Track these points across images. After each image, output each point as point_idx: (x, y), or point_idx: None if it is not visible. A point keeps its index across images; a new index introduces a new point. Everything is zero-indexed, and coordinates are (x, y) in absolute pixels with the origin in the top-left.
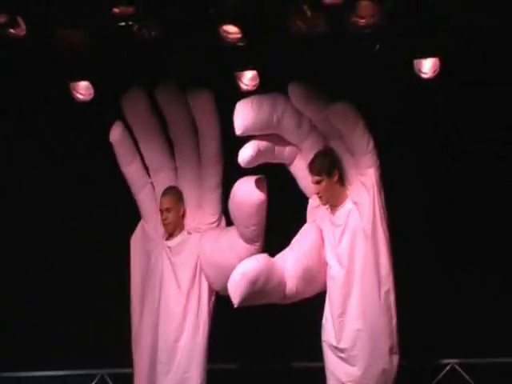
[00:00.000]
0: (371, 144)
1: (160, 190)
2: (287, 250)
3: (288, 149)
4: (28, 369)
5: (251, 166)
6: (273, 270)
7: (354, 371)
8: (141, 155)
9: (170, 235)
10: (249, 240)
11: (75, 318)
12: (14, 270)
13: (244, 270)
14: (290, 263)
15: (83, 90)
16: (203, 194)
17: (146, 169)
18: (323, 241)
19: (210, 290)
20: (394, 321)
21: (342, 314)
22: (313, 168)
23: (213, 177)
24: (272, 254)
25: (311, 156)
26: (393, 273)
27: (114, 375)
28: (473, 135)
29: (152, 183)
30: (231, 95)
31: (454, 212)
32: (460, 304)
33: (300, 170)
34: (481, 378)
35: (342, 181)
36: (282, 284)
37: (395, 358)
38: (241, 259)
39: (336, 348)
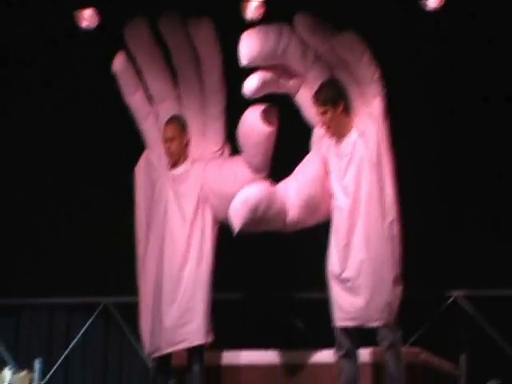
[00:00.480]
0: (377, 74)
1: (164, 119)
2: (290, 178)
3: (293, 79)
4: (31, 295)
5: (256, 97)
6: (274, 197)
7: (358, 301)
8: (144, 85)
9: (173, 164)
10: (255, 169)
11: (80, 246)
12: (21, 198)
13: (245, 197)
14: (293, 191)
15: (88, 17)
16: (207, 123)
17: (150, 98)
18: (327, 171)
19: (214, 219)
20: (398, 251)
21: (347, 244)
22: (318, 98)
23: (216, 105)
24: (276, 184)
25: (316, 86)
26: (397, 203)
27: (118, 304)
28: (480, 72)
29: (156, 112)
30: (236, 25)
31: (461, 147)
32: (463, 236)
33: (305, 101)
34: (484, 310)
35: (347, 111)
36: (283, 212)
37: (398, 289)
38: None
39: (340, 278)
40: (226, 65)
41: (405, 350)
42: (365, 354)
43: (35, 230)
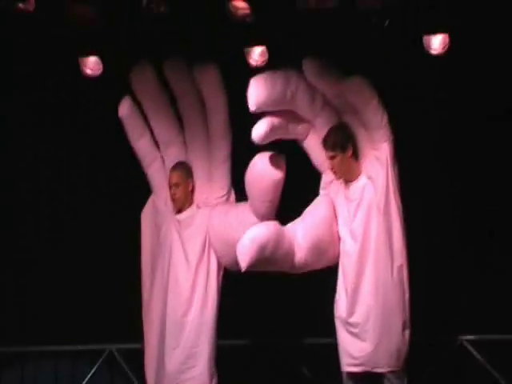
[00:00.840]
0: (385, 118)
1: (170, 163)
2: (299, 220)
3: (301, 124)
4: (36, 343)
5: (265, 143)
6: (282, 237)
7: (366, 346)
8: (150, 130)
9: (179, 210)
10: (261, 216)
11: (84, 293)
12: (24, 244)
13: (254, 235)
14: (301, 233)
15: (92, 65)
16: (212, 168)
17: (156, 143)
18: (335, 214)
19: (219, 264)
20: (407, 296)
21: (356, 289)
22: (327, 143)
23: (221, 150)
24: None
25: (325, 131)
26: (406, 248)
27: (123, 350)
28: (483, 110)
29: (162, 157)
30: (240, 71)
31: (471, 187)
32: (471, 281)
33: (313, 146)
34: (490, 355)
35: (356, 156)
36: (291, 253)
37: (407, 333)
38: None
39: (348, 323)
40: (232, 110)
41: None
42: None
43: (39, 276)
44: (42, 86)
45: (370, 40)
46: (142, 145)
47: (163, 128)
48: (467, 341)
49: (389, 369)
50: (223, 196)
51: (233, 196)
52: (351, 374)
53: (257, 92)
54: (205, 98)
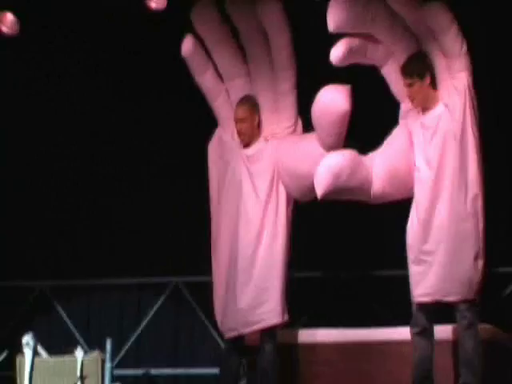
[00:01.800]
0: (464, 47)
1: (235, 96)
2: (377, 151)
3: (381, 50)
4: (102, 276)
5: (343, 65)
6: (359, 166)
7: (437, 275)
8: (214, 64)
9: (246, 144)
10: (329, 148)
11: (152, 225)
12: (95, 178)
13: (330, 162)
14: (379, 163)
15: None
16: (278, 99)
17: (220, 77)
18: (413, 144)
19: (288, 198)
20: (481, 225)
21: (429, 217)
22: (405, 70)
23: (286, 81)
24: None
25: (404, 58)
26: (482, 178)
27: (188, 283)
28: None
29: (227, 90)
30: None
31: None
32: None
33: (392, 73)
34: None
35: (434, 84)
36: (368, 182)
37: (480, 263)
38: None
39: (420, 251)
40: (297, 38)
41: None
42: (442, 331)
43: (108, 211)
44: (104, 20)
45: None
46: (206, 79)
47: (227, 61)
48: None
49: (460, 298)
50: (290, 127)
51: (300, 126)
52: (422, 305)
53: (336, 12)
54: (268, 33)
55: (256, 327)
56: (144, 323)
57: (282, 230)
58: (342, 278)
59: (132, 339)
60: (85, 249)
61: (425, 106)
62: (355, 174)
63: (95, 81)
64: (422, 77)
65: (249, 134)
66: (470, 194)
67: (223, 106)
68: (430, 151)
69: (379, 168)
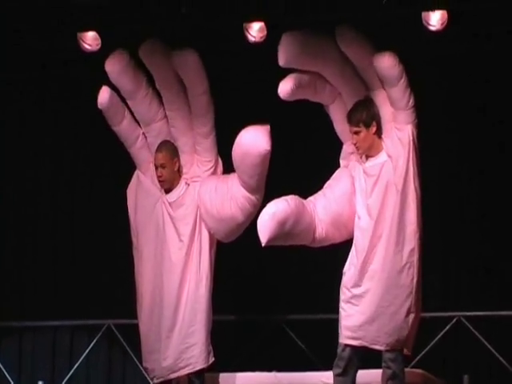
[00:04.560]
0: (412, 100)
1: (153, 140)
2: (319, 193)
3: (329, 89)
4: (35, 318)
5: (290, 100)
6: (303, 212)
7: (367, 321)
8: (130, 110)
9: (167, 190)
10: (251, 190)
11: (83, 268)
12: (26, 217)
13: (274, 210)
14: (321, 207)
15: (90, 40)
16: (197, 141)
17: (137, 121)
18: (355, 189)
19: (211, 240)
20: (415, 280)
21: (365, 264)
22: (352, 118)
23: (204, 124)
24: (304, 198)
25: (351, 102)
26: (420, 232)
27: (120, 325)
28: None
29: (144, 133)
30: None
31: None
32: (467, 258)
33: (338, 113)
34: (486, 331)
35: (379, 132)
36: (311, 227)
37: (411, 318)
38: (242, 209)
39: (353, 294)
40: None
41: (408, 371)
42: (365, 375)
43: (37, 252)
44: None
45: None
46: (122, 127)
47: (143, 108)
48: (464, 317)
49: (385, 348)
50: (210, 168)
51: (220, 167)
52: (346, 347)
53: (288, 47)
54: (185, 83)
55: (183, 372)
56: (76, 365)
57: (206, 274)
58: (272, 322)
59: (64, 381)
60: (17, 290)
61: (369, 154)
62: (299, 221)
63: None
64: (368, 125)
65: (169, 180)
66: (407, 247)
67: (141, 150)
68: (371, 200)
69: (322, 213)
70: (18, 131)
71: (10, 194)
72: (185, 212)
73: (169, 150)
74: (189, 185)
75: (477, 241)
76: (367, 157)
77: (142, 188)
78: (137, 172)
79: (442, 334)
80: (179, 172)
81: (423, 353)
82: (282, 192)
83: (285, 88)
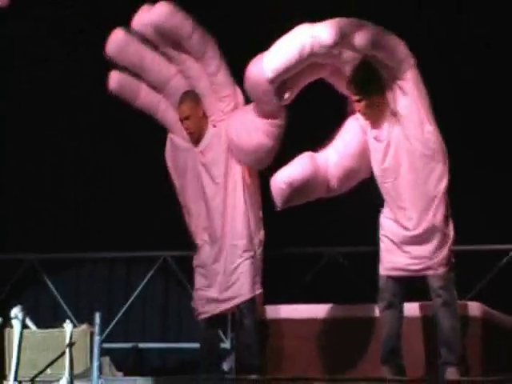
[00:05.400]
0: (405, 47)
1: (174, 99)
2: (330, 147)
3: (324, 68)
4: (93, 250)
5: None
6: (317, 174)
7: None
8: (143, 79)
9: (197, 140)
10: (271, 116)
11: (140, 200)
12: (82, 156)
13: (290, 178)
14: (333, 163)
15: None
16: (212, 80)
17: (154, 87)
18: (365, 139)
19: (246, 175)
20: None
21: (401, 205)
22: (351, 87)
23: (208, 65)
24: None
25: (349, 68)
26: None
27: (176, 257)
28: None
29: (165, 96)
30: None
31: None
32: None
33: (337, 81)
34: None
35: (382, 93)
36: (325, 184)
37: (449, 242)
38: (268, 135)
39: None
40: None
41: (464, 303)
42: (411, 307)
43: (96, 187)
44: None
45: None
46: (141, 100)
47: (154, 73)
48: None
49: (431, 273)
50: (230, 103)
51: (241, 97)
52: (388, 279)
53: (271, 61)
54: (170, 35)
55: (229, 305)
56: (133, 297)
57: (241, 209)
58: (323, 254)
59: (121, 313)
60: (74, 222)
61: (375, 119)
62: (314, 184)
63: None
64: (369, 92)
65: (197, 129)
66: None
67: (167, 113)
68: (385, 164)
69: (334, 168)
70: None
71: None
72: (214, 155)
73: (189, 98)
74: (215, 126)
75: None
76: (374, 121)
77: (177, 149)
78: (169, 135)
79: (499, 266)
80: (205, 117)
81: (480, 286)
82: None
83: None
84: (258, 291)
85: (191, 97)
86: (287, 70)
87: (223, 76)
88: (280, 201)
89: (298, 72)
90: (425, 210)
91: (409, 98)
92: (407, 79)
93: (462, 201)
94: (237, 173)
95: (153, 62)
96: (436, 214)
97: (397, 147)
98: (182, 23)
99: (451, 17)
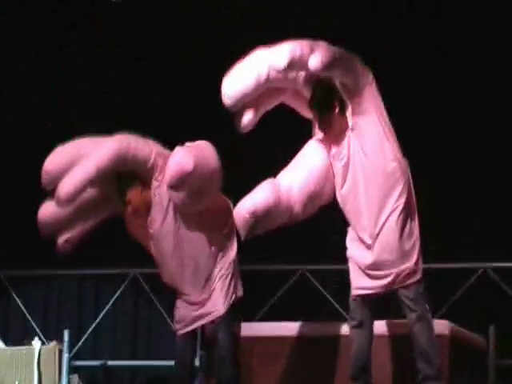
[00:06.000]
0: (365, 74)
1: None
2: (292, 171)
3: (283, 93)
4: (60, 266)
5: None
6: (280, 200)
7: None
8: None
9: None
10: None
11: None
12: None
13: (252, 206)
14: (296, 188)
15: None
16: None
17: None
18: (328, 162)
19: None
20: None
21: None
22: (313, 105)
23: None
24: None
25: (307, 89)
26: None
27: (146, 274)
28: None
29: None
30: None
31: None
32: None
33: (296, 102)
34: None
35: (342, 110)
36: (288, 210)
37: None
38: None
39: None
40: None
41: (434, 322)
42: (381, 325)
43: None
44: None
45: None
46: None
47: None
48: (490, 268)
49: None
50: None
51: None
52: (358, 297)
53: (230, 90)
54: None
55: (206, 320)
56: (102, 314)
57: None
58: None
59: (90, 330)
60: (40, 240)
61: (335, 136)
62: (277, 213)
63: None
64: (330, 108)
65: None
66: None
67: None
68: (345, 187)
69: (297, 193)
70: None
71: None
72: None
73: None
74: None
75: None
76: (334, 139)
77: None
78: None
79: (467, 285)
80: None
81: (448, 304)
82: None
83: (246, 122)
84: (229, 306)
85: None
86: (245, 97)
87: None
88: (244, 231)
89: (257, 98)
90: (386, 226)
91: (367, 114)
92: (365, 96)
93: (430, 218)
94: None
95: None
96: (398, 230)
97: (356, 165)
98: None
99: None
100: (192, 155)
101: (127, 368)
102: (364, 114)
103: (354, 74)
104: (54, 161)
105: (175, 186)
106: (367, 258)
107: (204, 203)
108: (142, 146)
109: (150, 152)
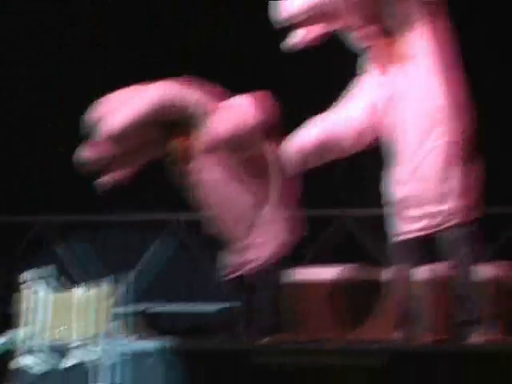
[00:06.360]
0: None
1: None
2: (341, 107)
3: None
4: (103, 212)
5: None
6: (328, 137)
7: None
8: None
9: None
10: None
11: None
12: None
13: (300, 143)
14: (345, 124)
15: None
16: None
17: None
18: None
19: None
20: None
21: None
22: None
23: None
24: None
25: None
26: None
27: (188, 221)
28: None
29: None
30: None
31: None
32: None
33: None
34: None
35: (392, 34)
36: (336, 147)
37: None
38: None
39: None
40: None
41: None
42: (426, 270)
43: None
44: None
45: None
46: None
47: None
48: None
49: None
50: None
51: None
52: (403, 242)
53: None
54: None
55: (250, 266)
56: (144, 260)
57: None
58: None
59: (133, 276)
60: (85, 184)
61: (387, 63)
62: (323, 145)
63: None
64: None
65: None
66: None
67: None
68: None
69: (346, 130)
70: None
71: None
72: None
73: None
74: None
75: None
76: (386, 68)
77: None
78: None
79: None
80: None
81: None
82: None
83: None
84: (280, 254)
85: None
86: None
87: None
88: (291, 168)
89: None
90: (425, 165)
91: (424, 40)
92: (418, 18)
93: None
94: None
95: None
96: (439, 170)
97: (401, 100)
98: None
99: None
100: (226, 121)
101: (170, 314)
102: (418, 45)
103: None
104: (97, 108)
105: (211, 151)
106: (407, 199)
107: (247, 154)
108: (190, 95)
109: (197, 100)
